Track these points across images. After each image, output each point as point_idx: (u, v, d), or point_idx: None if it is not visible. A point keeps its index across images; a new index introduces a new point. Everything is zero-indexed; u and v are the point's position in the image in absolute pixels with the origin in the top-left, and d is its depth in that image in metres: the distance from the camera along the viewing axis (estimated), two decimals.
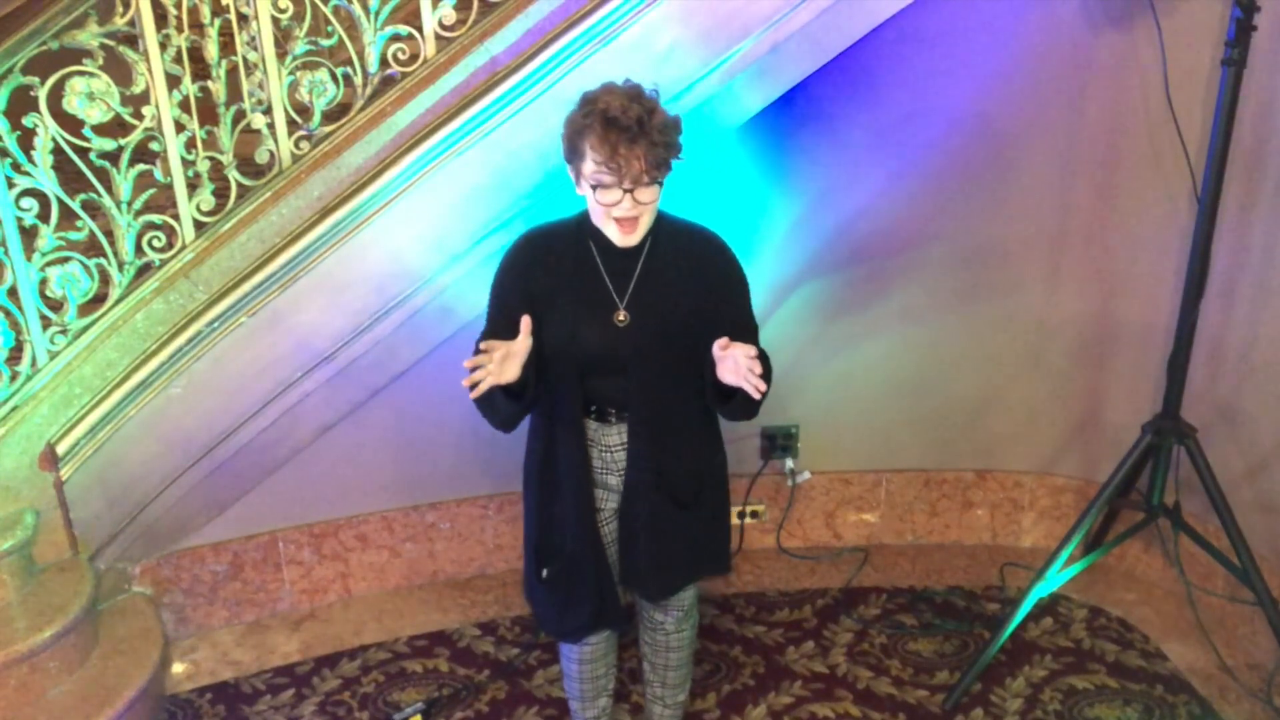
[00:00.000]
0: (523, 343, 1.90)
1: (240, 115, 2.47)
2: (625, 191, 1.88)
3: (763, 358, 1.97)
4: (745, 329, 2.08)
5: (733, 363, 1.87)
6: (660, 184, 1.92)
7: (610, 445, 2.11)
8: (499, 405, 1.97)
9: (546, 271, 2.03)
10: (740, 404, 1.98)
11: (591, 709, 2.43)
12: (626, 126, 1.83)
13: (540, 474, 2.14)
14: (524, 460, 2.20)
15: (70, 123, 2.35)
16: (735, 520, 3.34)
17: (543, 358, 2.00)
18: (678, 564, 2.19)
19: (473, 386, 1.86)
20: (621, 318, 2.00)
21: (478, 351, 1.89)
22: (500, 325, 2.02)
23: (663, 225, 2.04)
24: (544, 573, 2.17)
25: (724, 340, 1.88)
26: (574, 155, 1.93)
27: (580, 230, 2.03)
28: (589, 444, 2.10)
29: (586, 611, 2.17)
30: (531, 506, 2.19)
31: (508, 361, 1.88)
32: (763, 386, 1.85)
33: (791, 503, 3.35)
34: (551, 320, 2.00)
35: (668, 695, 2.45)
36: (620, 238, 1.96)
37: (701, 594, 3.12)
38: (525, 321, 1.90)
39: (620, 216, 1.92)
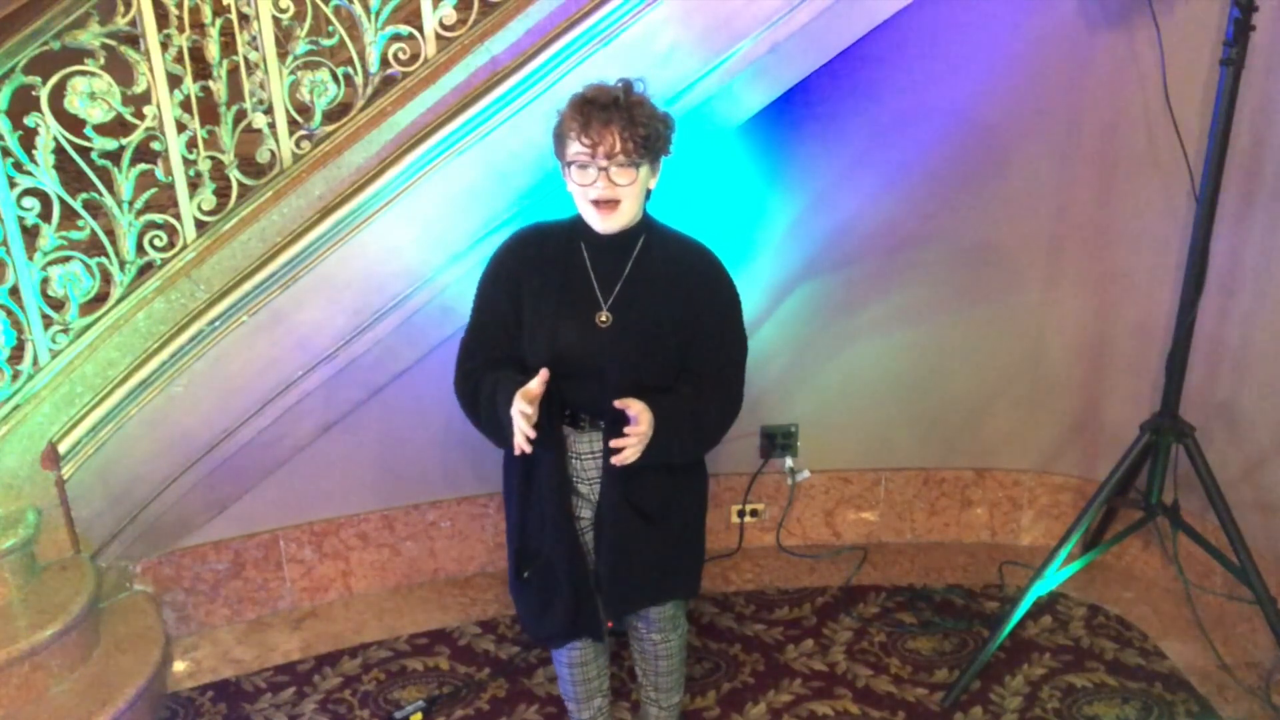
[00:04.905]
0: (538, 389, 1.89)
1: (241, 115, 2.47)
2: (600, 170, 1.88)
3: (721, 400, 1.98)
4: (727, 349, 2.06)
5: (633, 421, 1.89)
6: (638, 168, 1.90)
7: (580, 453, 2.07)
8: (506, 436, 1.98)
9: (535, 269, 2.02)
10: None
11: (587, 709, 2.42)
12: (603, 104, 1.88)
13: (519, 475, 2.11)
14: (503, 462, 2.16)
15: (72, 122, 2.36)
16: (735, 519, 3.35)
17: (523, 357, 2.01)
18: (638, 580, 2.15)
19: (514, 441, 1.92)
20: (603, 319, 1.98)
21: (467, 362, 2.03)
22: (486, 324, 2.05)
23: (656, 231, 2.03)
24: (524, 574, 2.16)
25: (626, 401, 1.88)
26: (560, 146, 1.94)
27: (573, 230, 2.03)
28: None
29: (561, 618, 2.15)
30: (512, 508, 2.17)
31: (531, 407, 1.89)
32: (623, 459, 1.89)
33: (791, 501, 3.35)
34: (534, 317, 2.00)
35: (661, 698, 2.45)
36: (599, 221, 1.94)
37: (701, 593, 3.12)
38: (543, 373, 1.89)
39: (597, 198, 1.91)
